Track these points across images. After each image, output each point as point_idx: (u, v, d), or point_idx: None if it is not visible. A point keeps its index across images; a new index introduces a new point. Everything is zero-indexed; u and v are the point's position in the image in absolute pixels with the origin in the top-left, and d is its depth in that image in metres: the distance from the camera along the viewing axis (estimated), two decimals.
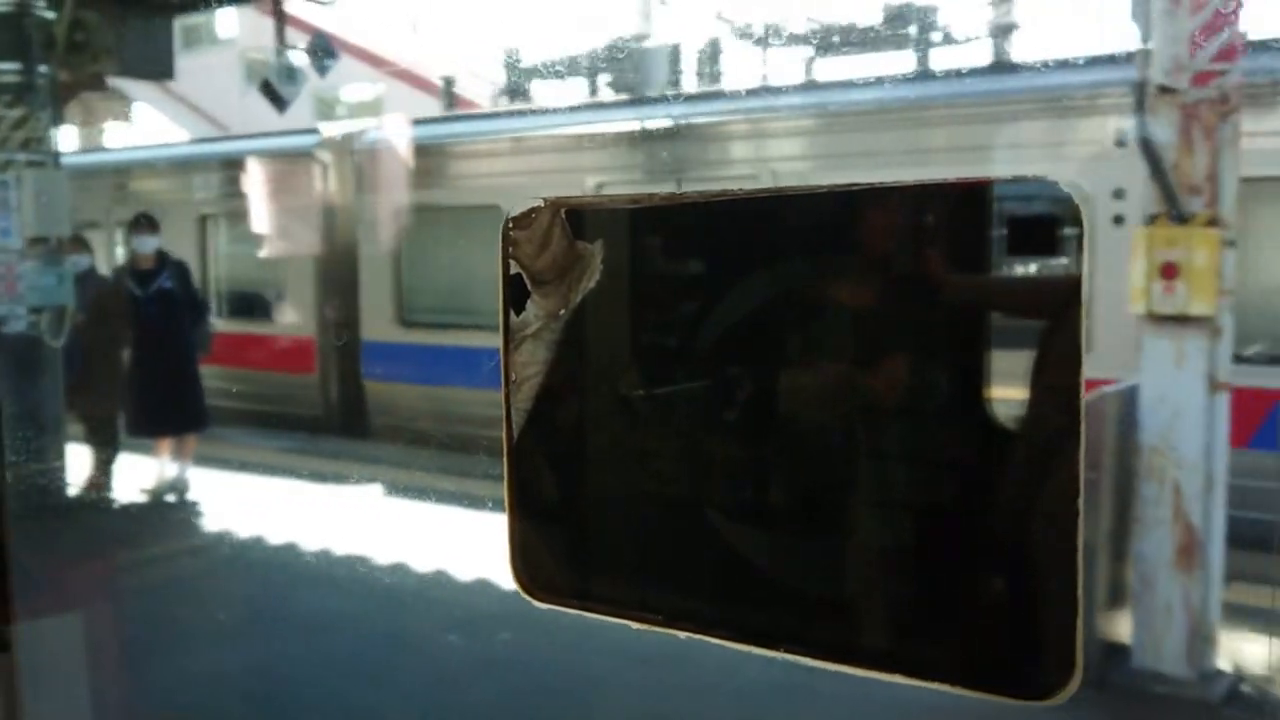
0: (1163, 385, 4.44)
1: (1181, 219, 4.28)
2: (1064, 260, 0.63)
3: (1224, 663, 4.34)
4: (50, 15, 6.25)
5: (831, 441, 0.73)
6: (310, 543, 6.18)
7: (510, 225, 0.81)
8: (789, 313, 0.73)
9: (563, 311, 0.80)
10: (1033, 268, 0.65)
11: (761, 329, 0.74)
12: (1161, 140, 4.35)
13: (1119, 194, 5.69)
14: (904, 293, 0.69)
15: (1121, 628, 4.34)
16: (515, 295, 0.82)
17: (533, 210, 0.81)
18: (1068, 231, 0.63)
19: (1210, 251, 4.28)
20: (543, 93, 9.09)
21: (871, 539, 0.72)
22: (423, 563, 5.63)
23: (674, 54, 8.58)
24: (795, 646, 0.73)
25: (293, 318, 10.24)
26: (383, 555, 5.60)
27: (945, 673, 0.68)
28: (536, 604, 0.84)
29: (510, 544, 0.84)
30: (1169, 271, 4.34)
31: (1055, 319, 0.63)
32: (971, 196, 0.66)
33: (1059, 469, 0.63)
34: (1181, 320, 4.34)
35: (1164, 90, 4.34)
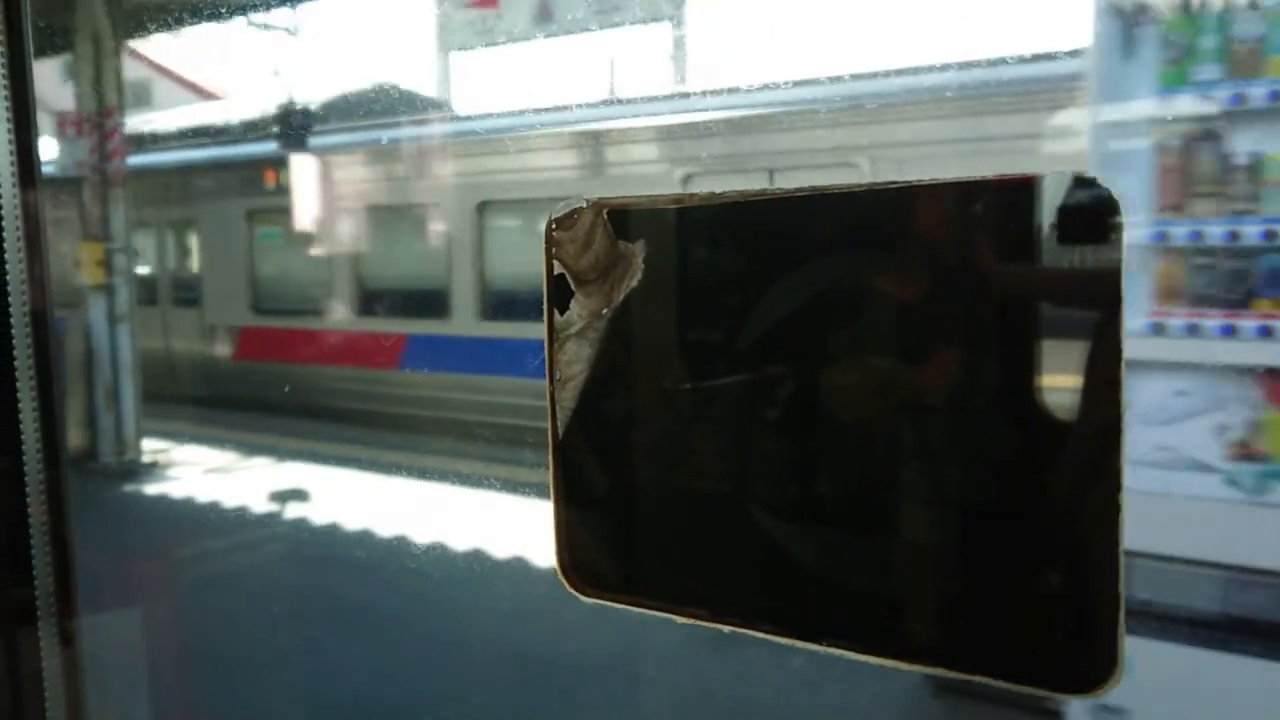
0: (89, 320, 9.90)
1: (88, 238, 9.55)
2: (1116, 249, 0.62)
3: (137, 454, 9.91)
4: None
5: (876, 436, 0.73)
6: None
7: (553, 225, 0.83)
8: (831, 309, 0.74)
9: (605, 311, 0.81)
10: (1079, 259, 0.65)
11: (802, 326, 0.74)
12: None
13: None
14: (950, 287, 0.69)
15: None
16: (559, 295, 0.83)
17: (575, 210, 0.82)
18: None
19: (94, 254, 9.52)
20: None
21: (915, 533, 0.73)
22: None
23: None
24: (840, 640, 0.74)
25: None
26: None
27: (990, 667, 0.68)
28: (582, 598, 0.86)
29: (556, 538, 0.86)
30: (77, 264, 9.73)
31: (1098, 310, 0.63)
32: (1015, 191, 0.66)
33: (1102, 462, 0.63)
34: (94, 288, 9.61)
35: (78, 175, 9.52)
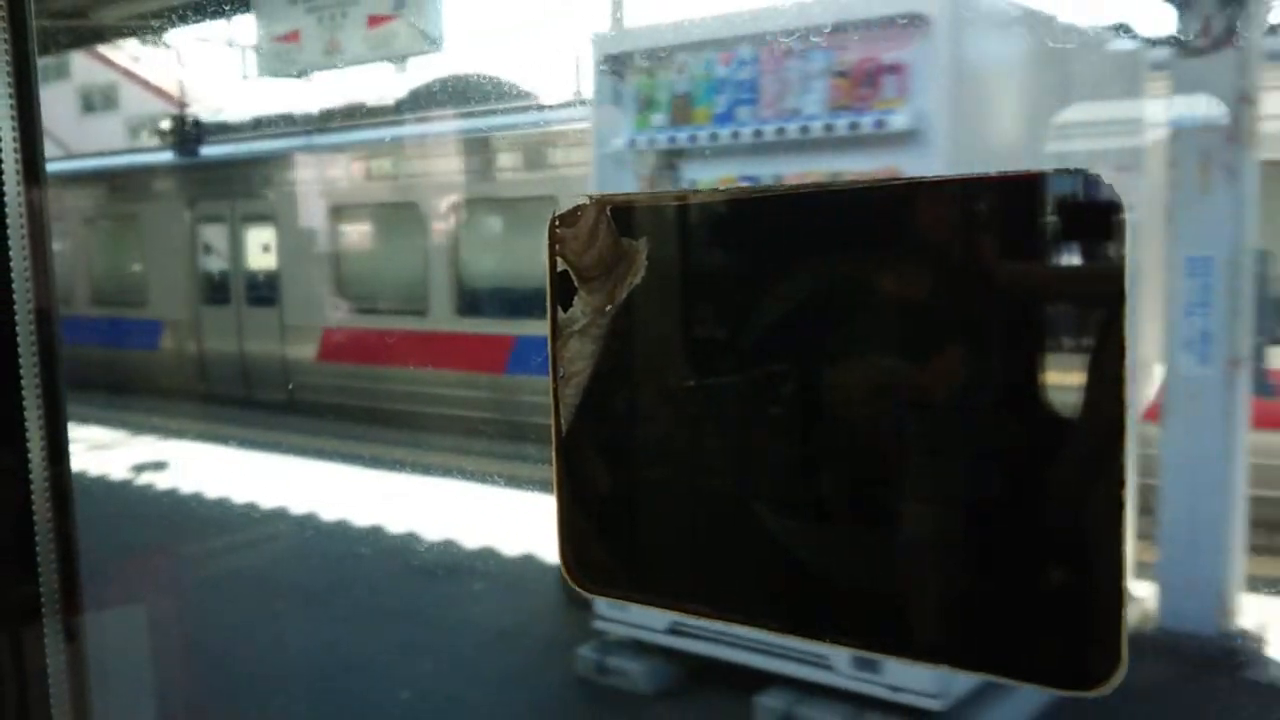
0: None
1: None
2: (1119, 246, 0.62)
3: None
4: None
5: (877, 433, 0.73)
6: None
7: (557, 223, 0.83)
8: (833, 306, 0.74)
9: (609, 308, 0.81)
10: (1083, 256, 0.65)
11: (805, 323, 0.74)
12: None
13: None
14: (953, 284, 0.69)
15: None
16: (563, 292, 0.83)
17: (579, 207, 0.82)
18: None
19: None
20: None
21: (919, 530, 0.73)
22: None
23: None
24: (843, 636, 0.74)
25: None
26: None
27: (993, 663, 0.68)
28: (586, 594, 0.86)
29: (559, 534, 0.86)
30: None
31: (1100, 307, 0.63)
32: (1019, 188, 0.66)
33: (1105, 459, 0.63)
34: None
35: None
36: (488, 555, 7.09)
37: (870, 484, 0.73)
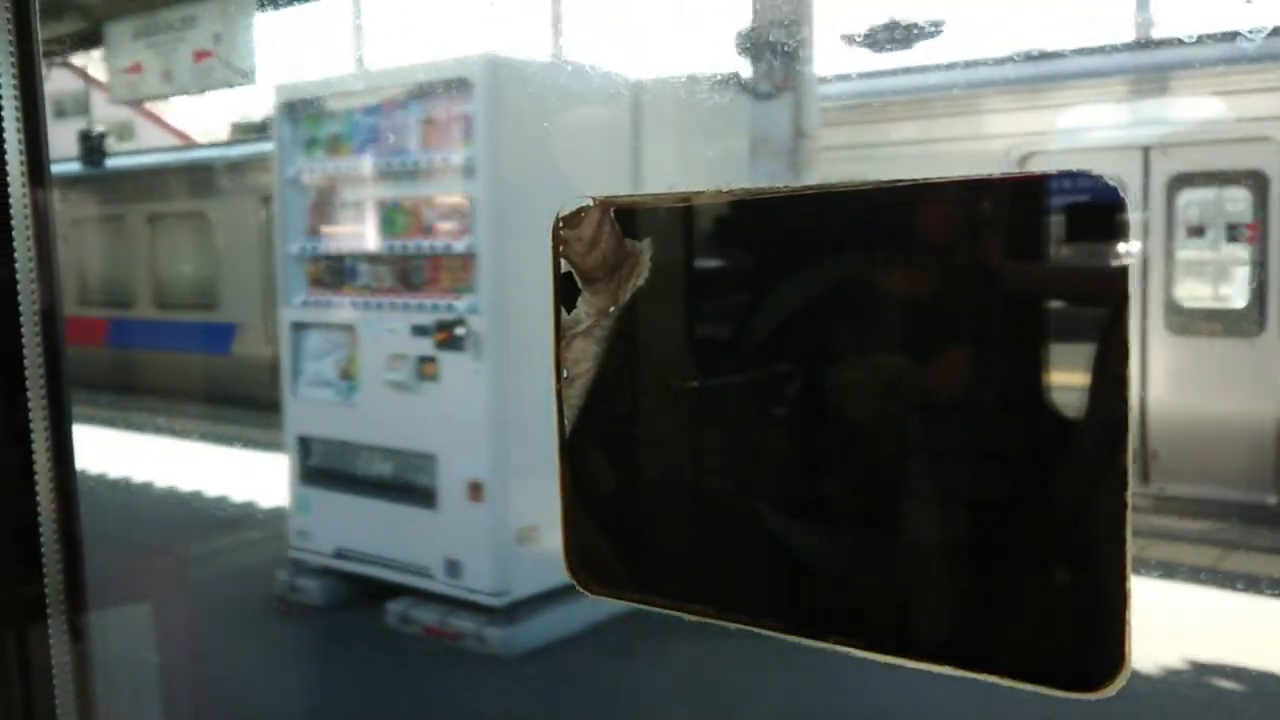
0: None
1: None
2: (1125, 246, 0.62)
3: None
4: None
5: (881, 434, 0.73)
6: None
7: (560, 223, 0.83)
8: (837, 307, 0.74)
9: (612, 309, 0.81)
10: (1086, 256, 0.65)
11: (808, 324, 0.74)
12: None
13: None
14: (957, 285, 0.69)
15: None
16: (566, 293, 0.83)
17: (582, 209, 0.82)
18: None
19: None
20: None
21: (921, 531, 0.73)
22: None
23: None
24: (845, 638, 0.74)
25: None
26: None
27: (996, 664, 0.68)
28: (591, 595, 0.86)
29: (564, 535, 0.86)
30: None
31: (1103, 307, 0.63)
32: (1022, 189, 0.66)
33: (1107, 458, 0.63)
34: None
35: None
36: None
37: (874, 485, 0.73)
